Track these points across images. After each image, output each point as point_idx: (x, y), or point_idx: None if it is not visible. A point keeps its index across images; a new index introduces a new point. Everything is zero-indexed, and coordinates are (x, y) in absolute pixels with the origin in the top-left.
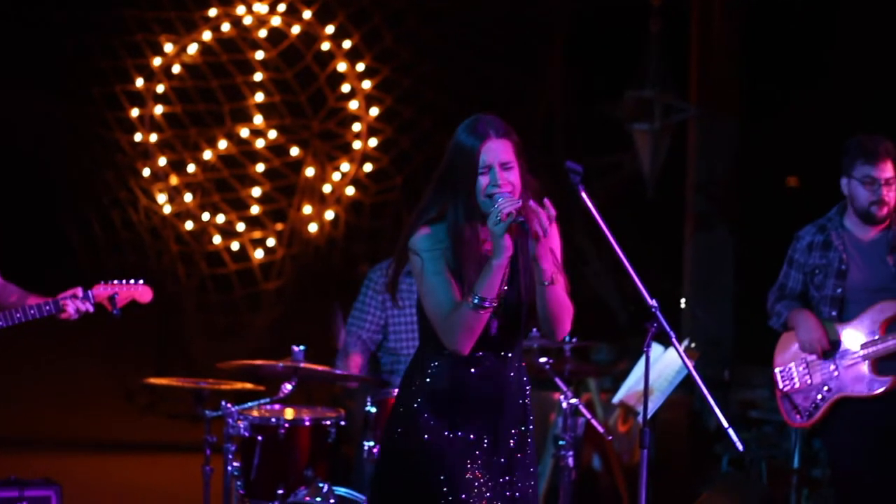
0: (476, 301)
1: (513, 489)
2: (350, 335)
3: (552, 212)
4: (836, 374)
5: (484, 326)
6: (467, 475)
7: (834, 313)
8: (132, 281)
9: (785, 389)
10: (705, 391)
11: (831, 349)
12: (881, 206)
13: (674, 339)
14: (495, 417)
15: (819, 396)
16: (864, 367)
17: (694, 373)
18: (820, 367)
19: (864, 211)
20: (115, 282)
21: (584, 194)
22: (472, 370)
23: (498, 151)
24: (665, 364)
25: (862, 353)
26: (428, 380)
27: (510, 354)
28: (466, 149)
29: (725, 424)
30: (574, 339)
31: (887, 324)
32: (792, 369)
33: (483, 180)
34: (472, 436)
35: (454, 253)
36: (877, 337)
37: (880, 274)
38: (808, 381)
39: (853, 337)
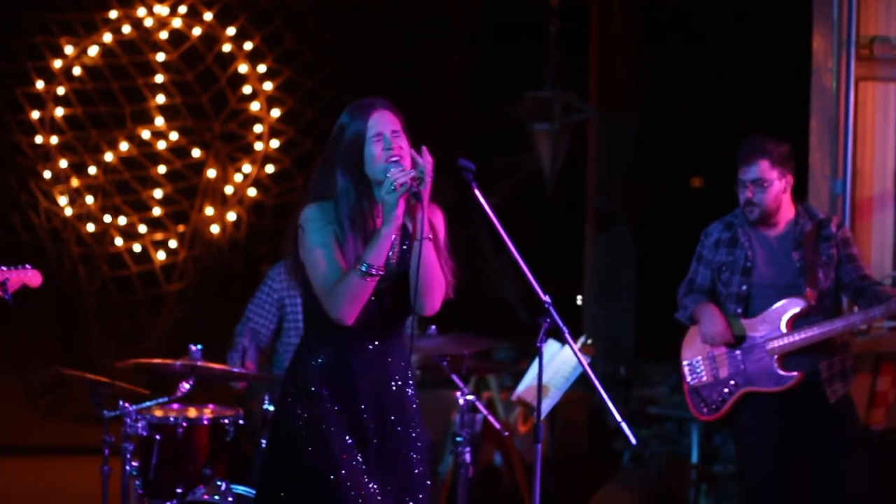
0: (363, 268)
1: (395, 478)
2: (245, 332)
3: (429, 158)
4: (742, 368)
5: (375, 295)
6: (350, 462)
7: (739, 310)
8: (21, 266)
9: (692, 383)
10: (599, 387)
11: (737, 343)
12: (751, 209)
13: (567, 335)
14: (380, 402)
15: (726, 390)
16: (771, 363)
17: (588, 369)
18: (727, 361)
19: (743, 212)
20: (4, 268)
21: (476, 191)
22: (359, 354)
23: (387, 120)
24: (562, 361)
25: (768, 348)
26: (314, 366)
27: (395, 335)
28: (353, 122)
29: (619, 418)
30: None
31: (793, 320)
32: (700, 363)
33: (375, 149)
34: (355, 422)
35: (343, 227)
36: (783, 333)
37: (786, 270)
38: (716, 375)
39: (760, 332)
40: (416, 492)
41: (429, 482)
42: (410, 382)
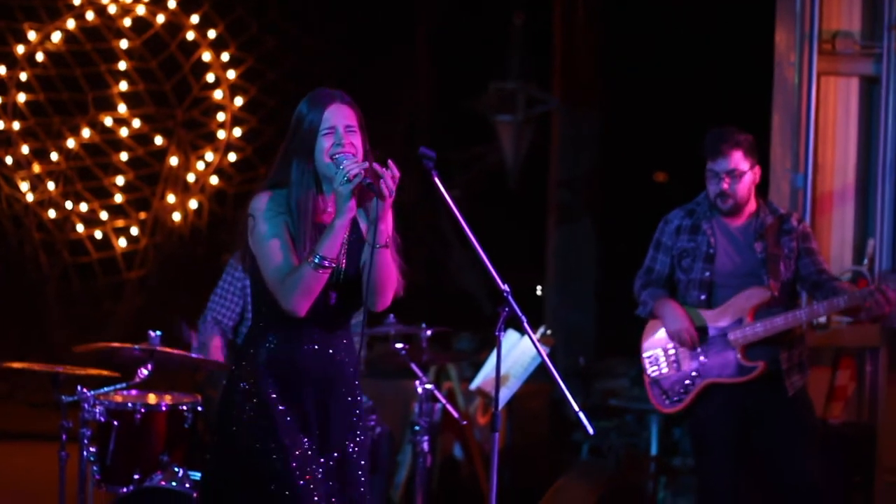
0: (316, 260)
1: (342, 479)
2: (208, 321)
3: (396, 173)
4: (704, 359)
5: (322, 290)
6: (297, 452)
7: (703, 297)
8: None
9: (653, 375)
10: (557, 377)
11: (699, 336)
12: (724, 199)
13: (525, 324)
14: (324, 391)
15: (688, 382)
16: (733, 353)
17: (546, 359)
18: (688, 352)
19: (712, 202)
20: None
21: (436, 179)
22: (305, 346)
23: (342, 115)
24: (521, 351)
25: (731, 338)
26: (261, 356)
27: (341, 328)
28: (310, 112)
29: (576, 408)
30: (429, 326)
31: (755, 310)
32: (659, 355)
33: (326, 141)
34: (298, 411)
35: (293, 218)
36: (745, 323)
37: (748, 260)
38: (677, 367)
39: (722, 323)
40: (356, 484)
41: (366, 476)
42: (356, 373)
